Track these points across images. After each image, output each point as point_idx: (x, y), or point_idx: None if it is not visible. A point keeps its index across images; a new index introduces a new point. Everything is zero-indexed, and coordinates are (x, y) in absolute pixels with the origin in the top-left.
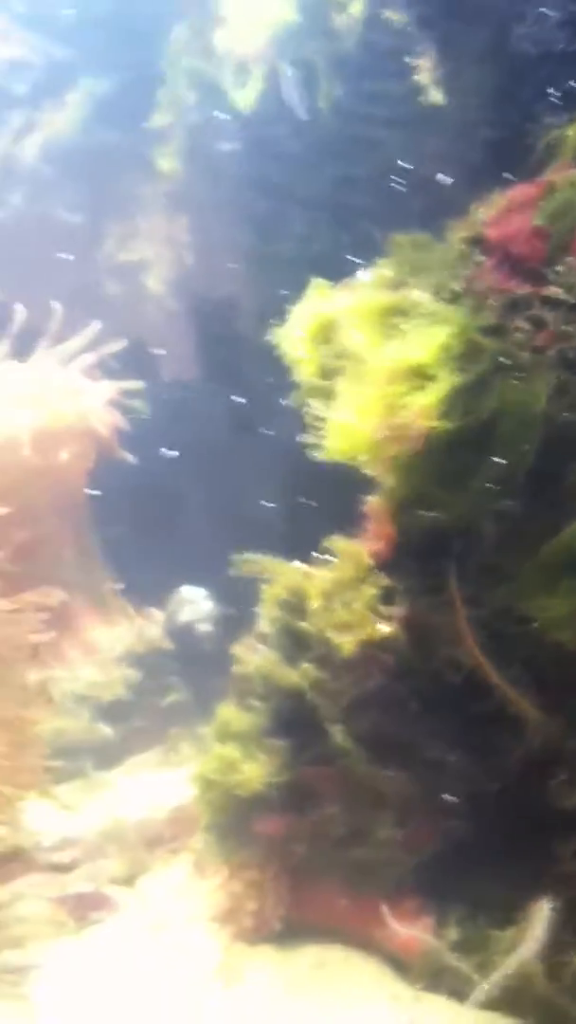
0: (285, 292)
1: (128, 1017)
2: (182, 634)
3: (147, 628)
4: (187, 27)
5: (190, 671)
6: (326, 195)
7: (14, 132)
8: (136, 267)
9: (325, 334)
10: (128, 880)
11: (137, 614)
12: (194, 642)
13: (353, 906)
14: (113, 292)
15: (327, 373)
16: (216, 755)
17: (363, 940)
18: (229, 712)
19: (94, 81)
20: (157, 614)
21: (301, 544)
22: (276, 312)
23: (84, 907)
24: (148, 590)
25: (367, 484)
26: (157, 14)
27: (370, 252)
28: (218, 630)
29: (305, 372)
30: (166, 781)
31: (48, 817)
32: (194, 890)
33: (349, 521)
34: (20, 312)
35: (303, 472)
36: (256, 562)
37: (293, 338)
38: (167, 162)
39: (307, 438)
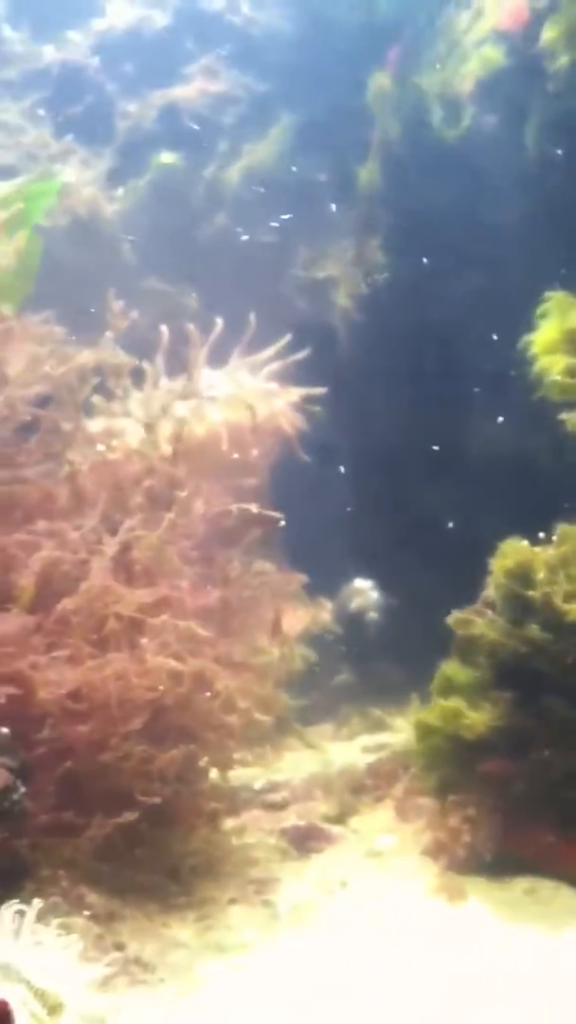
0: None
1: (364, 919)
2: (351, 621)
3: (319, 614)
4: (389, 70)
5: (357, 655)
6: (514, 220)
7: (221, 160)
8: (324, 284)
9: (573, 339)
10: (338, 819)
11: (310, 601)
12: (362, 629)
13: (561, 842)
14: (301, 306)
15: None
16: (440, 706)
17: (568, 873)
18: (452, 668)
19: (293, 115)
20: (326, 603)
21: (465, 539)
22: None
23: (303, 838)
24: (316, 581)
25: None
26: (348, 56)
27: None
28: (383, 619)
29: (555, 371)
30: (346, 748)
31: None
32: (400, 830)
33: (511, 517)
34: (218, 323)
35: (469, 473)
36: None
37: (542, 342)
38: (366, 188)
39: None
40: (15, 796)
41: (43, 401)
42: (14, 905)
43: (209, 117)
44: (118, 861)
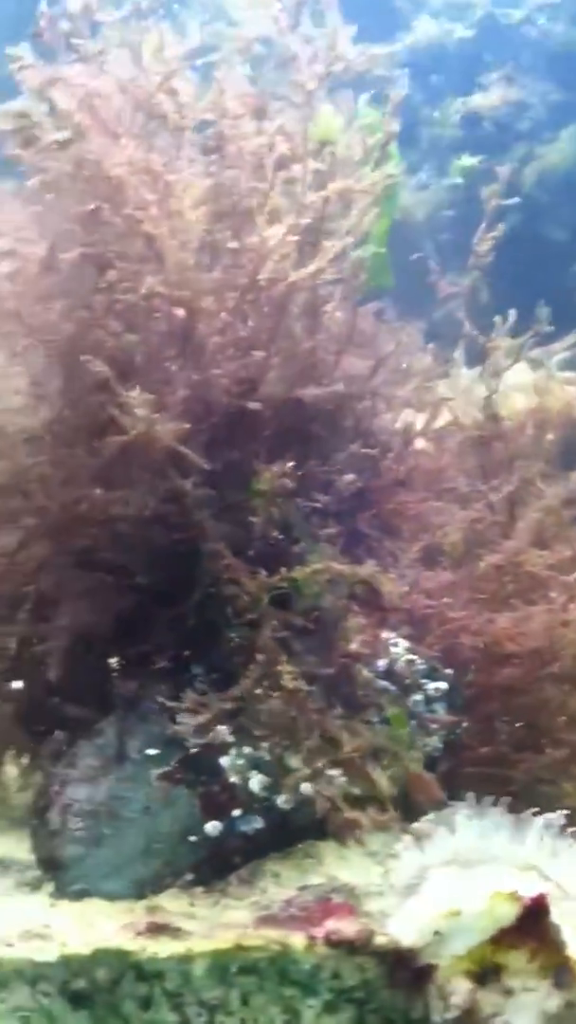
0: None
1: None
2: None
3: None
4: None
5: None
6: None
7: (516, 163)
8: None
9: None
10: None
11: None
12: None
13: None
14: None
15: None
16: None
17: None
18: None
19: None
20: None
21: None
22: None
23: None
24: None
25: None
26: None
27: None
28: None
29: None
30: None
31: None
32: None
33: None
34: (511, 315)
35: None
36: None
37: None
38: None
39: None
40: (458, 731)
41: None
42: (545, 817)
43: (506, 123)
44: (524, 794)
